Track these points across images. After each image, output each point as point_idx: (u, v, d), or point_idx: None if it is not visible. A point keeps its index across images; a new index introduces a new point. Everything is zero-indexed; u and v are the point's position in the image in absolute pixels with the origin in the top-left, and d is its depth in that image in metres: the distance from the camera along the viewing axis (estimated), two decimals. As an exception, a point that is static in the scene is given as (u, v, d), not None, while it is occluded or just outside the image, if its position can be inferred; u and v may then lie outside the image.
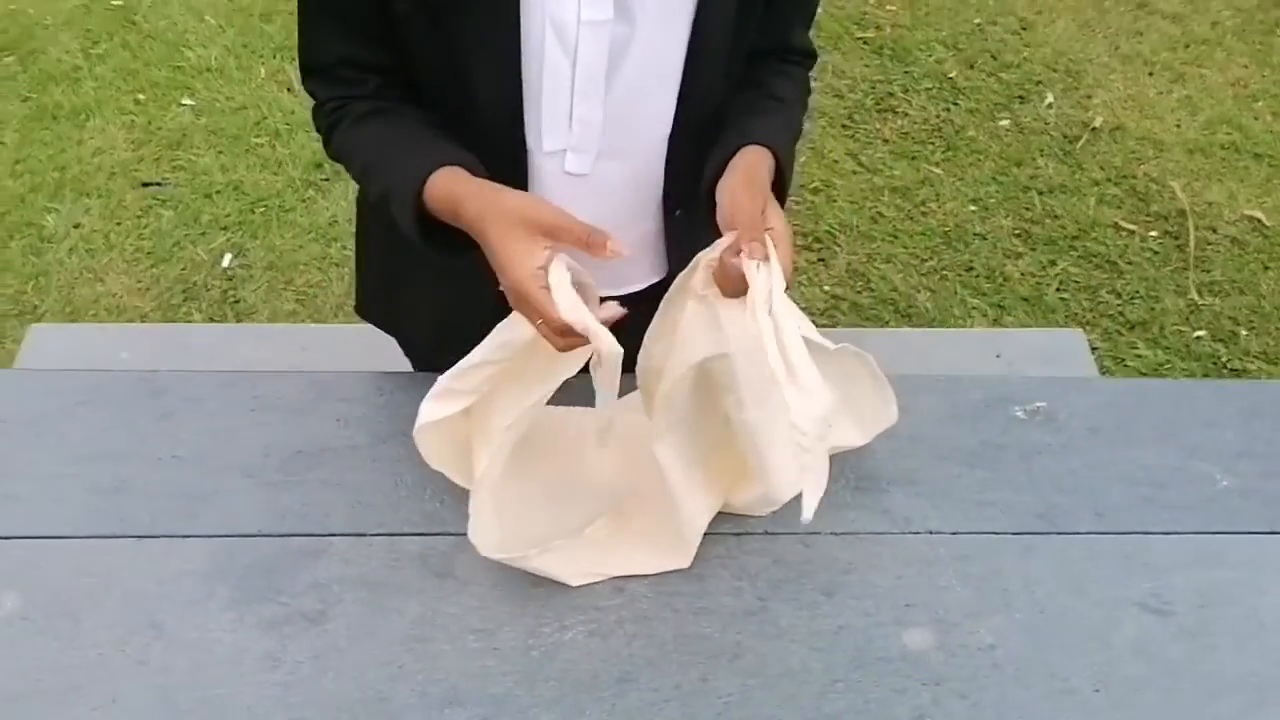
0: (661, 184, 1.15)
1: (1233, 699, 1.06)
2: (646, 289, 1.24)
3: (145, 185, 2.52)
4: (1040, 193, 2.64)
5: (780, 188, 1.08)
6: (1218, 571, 1.15)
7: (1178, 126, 2.83)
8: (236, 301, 2.30)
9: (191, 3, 2.91)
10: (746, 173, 1.02)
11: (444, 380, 1.11)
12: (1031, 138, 2.73)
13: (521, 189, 1.07)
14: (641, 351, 1.04)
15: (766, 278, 0.96)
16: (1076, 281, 2.46)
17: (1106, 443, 1.26)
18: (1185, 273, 2.49)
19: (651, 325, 1.04)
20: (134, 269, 2.36)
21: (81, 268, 2.36)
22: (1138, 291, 2.44)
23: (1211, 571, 1.15)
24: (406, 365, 1.43)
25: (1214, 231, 2.58)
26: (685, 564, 1.12)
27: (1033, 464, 1.23)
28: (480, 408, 1.11)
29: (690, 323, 1.02)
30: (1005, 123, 2.78)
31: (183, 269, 2.37)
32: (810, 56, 1.21)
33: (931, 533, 1.17)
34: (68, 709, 1.00)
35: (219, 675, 1.02)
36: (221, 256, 2.40)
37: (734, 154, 1.04)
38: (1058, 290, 2.44)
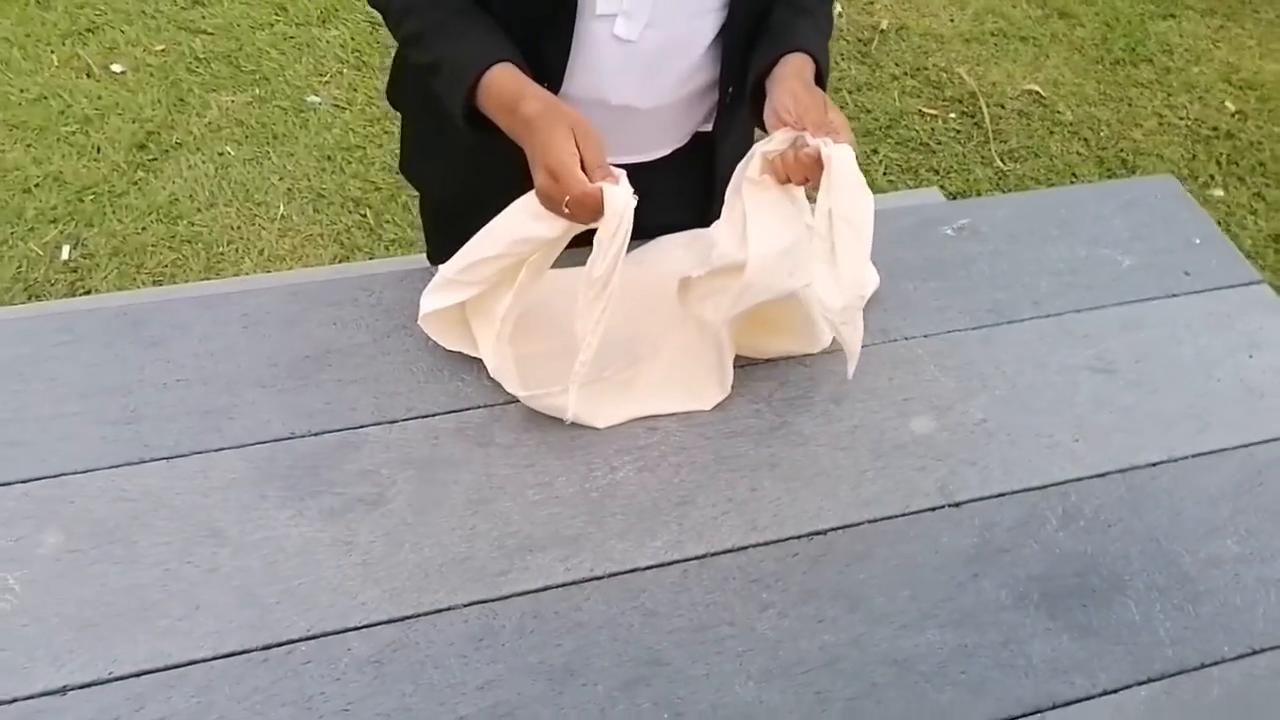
0: (702, 64, 1.19)
1: (1182, 428, 1.23)
2: (662, 157, 1.30)
3: (-50, 188, 2.32)
4: (850, 91, 2.84)
5: (821, 87, 1.16)
6: (1141, 332, 1.33)
7: (952, 21, 3.10)
8: (88, 291, 2.17)
9: (-50, -5, 2.68)
10: (800, 76, 1.09)
11: (446, 272, 1.13)
12: (831, 44, 2.92)
13: (566, 50, 1.11)
14: (716, 244, 1.09)
15: (841, 159, 1.04)
16: (899, 165, 2.67)
17: (1025, 245, 1.42)
18: (987, 145, 2.75)
19: (721, 219, 1.10)
20: (-40, 275, 2.18)
21: (-102, 283, 2.15)
22: (951, 166, 2.68)
23: (1137, 333, 1.33)
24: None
25: (1002, 108, 2.86)
26: (710, 405, 1.19)
27: (970, 270, 1.38)
28: (481, 295, 1.14)
29: (754, 209, 1.08)
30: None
31: (19, 267, 2.20)
32: None
33: (907, 338, 1.29)
34: (150, 623, 0.97)
35: (295, 567, 1.02)
36: (59, 249, 2.25)
37: (779, 57, 1.11)
38: (884, 174, 2.64)
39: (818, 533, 1.11)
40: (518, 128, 1.05)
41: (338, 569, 1.02)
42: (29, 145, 2.42)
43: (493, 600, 1.02)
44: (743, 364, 1.23)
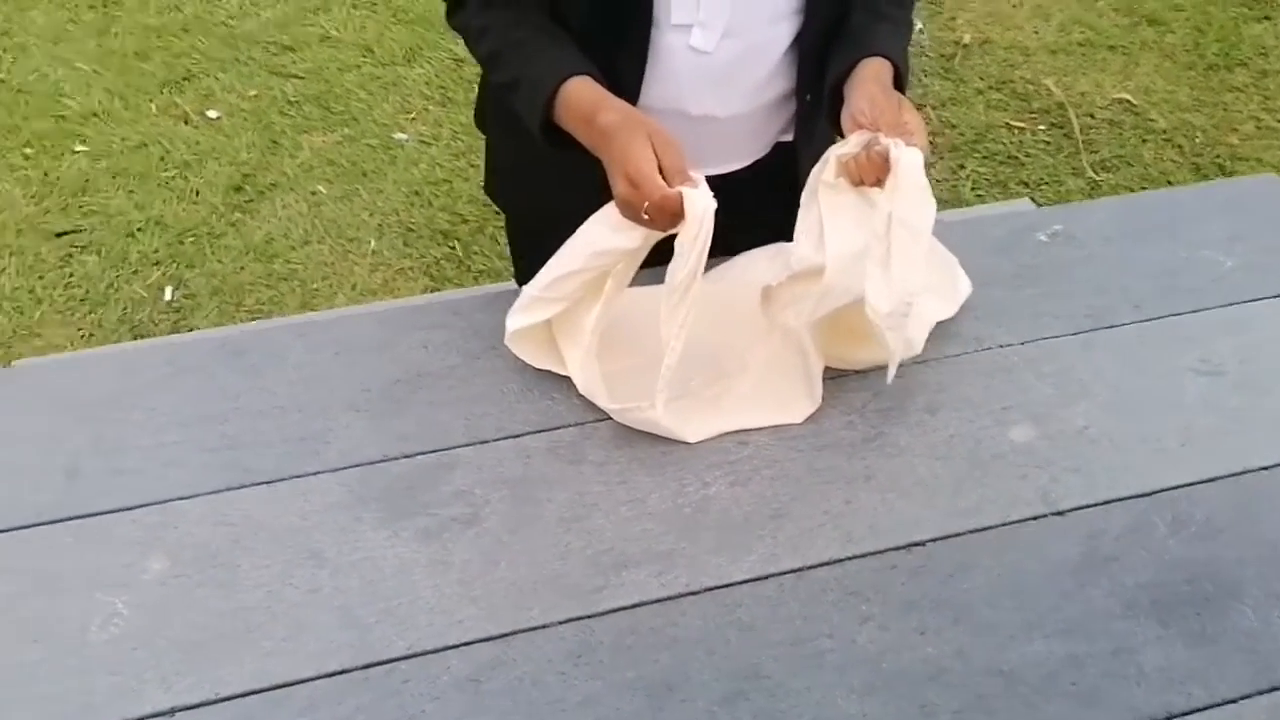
0: (779, 71, 1.18)
1: (1296, 429, 1.18)
2: (741, 169, 1.30)
3: (59, 235, 2.43)
4: (934, 107, 2.81)
5: (900, 91, 1.16)
6: (1247, 334, 1.28)
7: (1036, 33, 3.05)
8: (190, 329, 2.24)
9: (58, 53, 2.81)
10: (878, 79, 1.09)
11: (531, 290, 1.14)
12: (914, 61, 2.90)
13: (642, 62, 1.12)
14: (794, 250, 1.09)
15: (909, 162, 1.03)
16: (987, 179, 2.63)
17: (1121, 248, 1.38)
18: (1077, 156, 2.69)
19: (798, 224, 1.09)
20: (70, 318, 2.27)
21: (14, 326, 2.25)
22: (1042, 178, 2.63)
23: (1243, 335, 1.28)
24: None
25: (1092, 117, 2.80)
26: (800, 418, 1.18)
27: (1066, 276, 1.34)
28: (565, 311, 1.15)
29: (830, 213, 1.08)
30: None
31: (124, 309, 2.29)
32: None
33: (1002, 346, 1.26)
34: (254, 644, 0.98)
35: (393, 587, 1.03)
36: (162, 290, 2.33)
37: (857, 62, 1.11)
38: (973, 189, 2.60)
39: (916, 544, 1.08)
40: (595, 139, 1.05)
41: (435, 588, 1.03)
42: (131, 191, 2.52)
43: (589, 617, 1.02)
44: (833, 375, 1.21)
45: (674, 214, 1.01)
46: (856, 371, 1.23)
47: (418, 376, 1.20)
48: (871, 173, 1.04)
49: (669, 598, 1.03)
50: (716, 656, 0.99)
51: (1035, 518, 1.11)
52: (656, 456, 1.14)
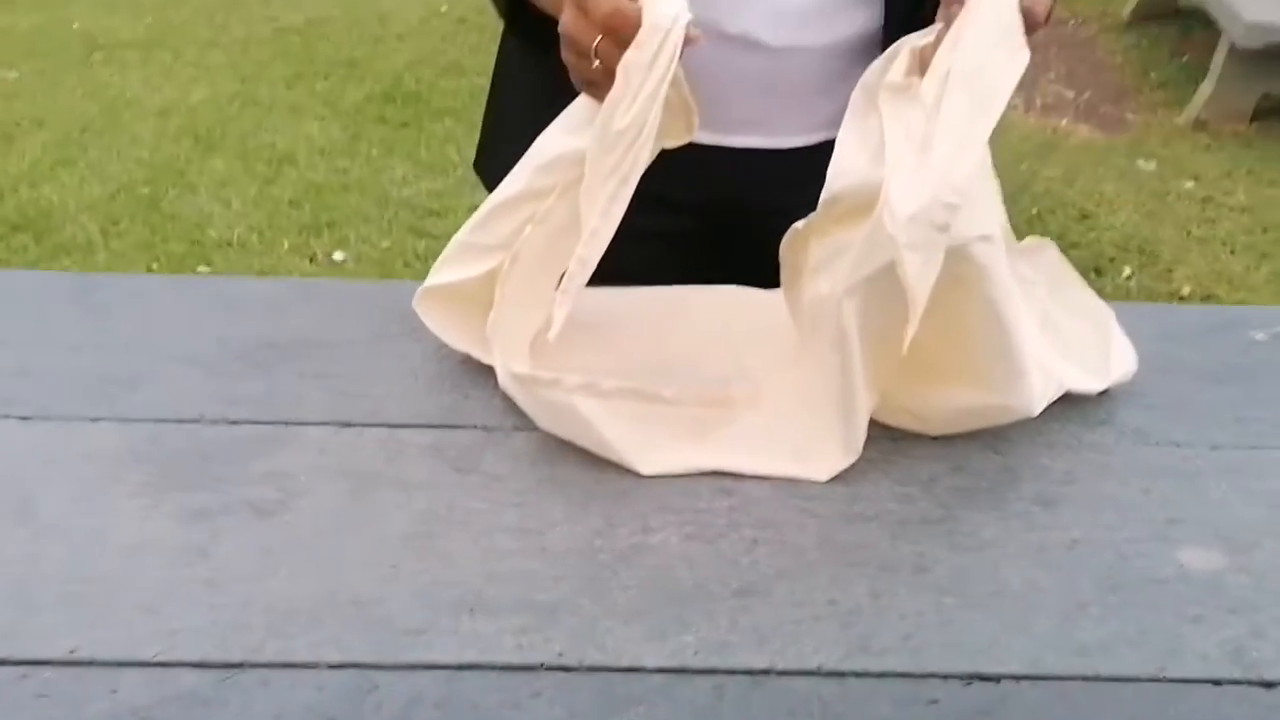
0: None
1: None
2: (792, 147, 0.93)
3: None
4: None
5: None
6: None
7: (1276, 297, 2.60)
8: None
9: (219, 194, 2.82)
10: None
11: (460, 234, 0.81)
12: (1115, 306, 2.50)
13: None
14: (836, 163, 0.72)
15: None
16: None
17: (1386, 366, 0.91)
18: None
19: (839, 141, 0.73)
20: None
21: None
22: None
23: None
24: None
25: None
26: (825, 474, 0.75)
27: (1293, 383, 0.88)
28: (510, 274, 0.80)
29: (895, 122, 0.70)
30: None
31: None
32: None
33: (1178, 444, 0.80)
34: None
35: (104, 570, 0.64)
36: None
37: None
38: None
39: (984, 677, 0.61)
40: None
41: (164, 581, 0.64)
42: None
43: (380, 667, 0.59)
44: (892, 435, 0.79)
45: (632, 37, 0.66)
46: (930, 437, 0.79)
47: (297, 344, 0.85)
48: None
49: (523, 667, 0.60)
50: (553, 769, 0.54)
51: (1215, 682, 0.62)
52: (583, 483, 0.73)
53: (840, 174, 0.69)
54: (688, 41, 0.67)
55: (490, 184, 1.09)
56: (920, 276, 0.64)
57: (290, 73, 3.46)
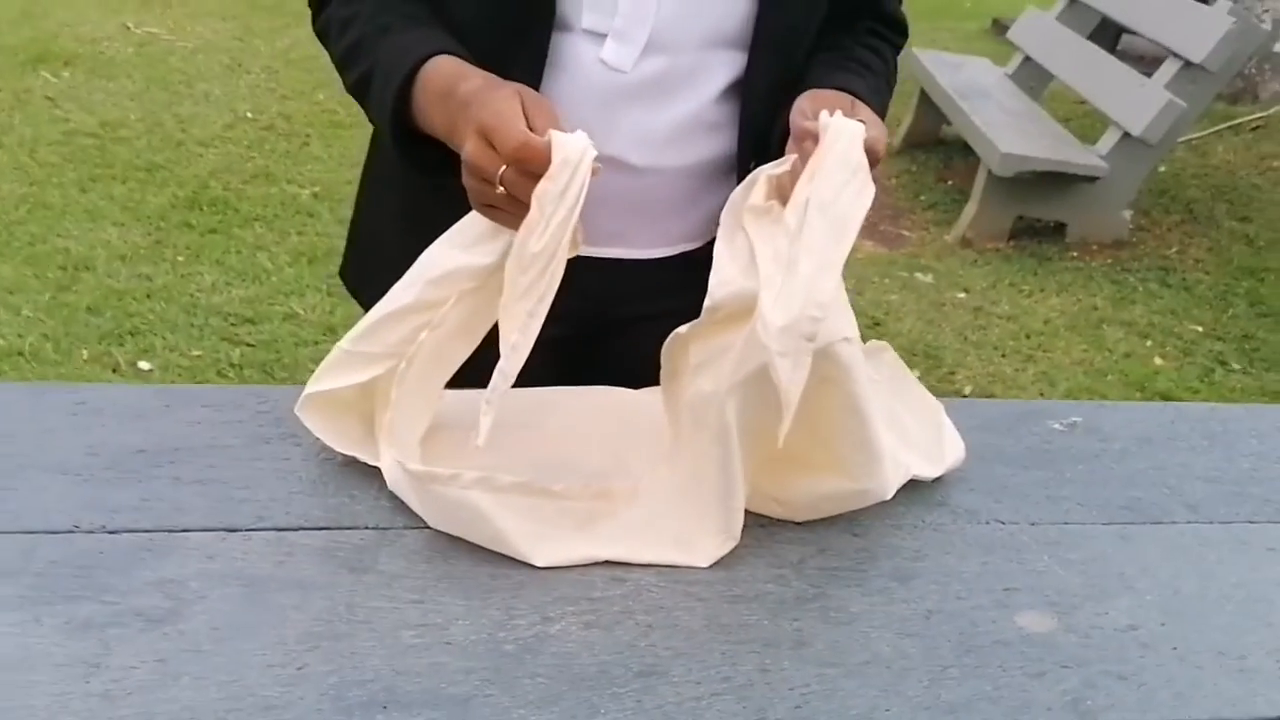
0: (716, 119, 0.94)
1: None
2: (659, 257, 1.00)
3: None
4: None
5: None
6: (1354, 554, 0.91)
7: (1042, 395, 2.87)
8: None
9: (9, 301, 2.66)
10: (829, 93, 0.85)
11: (343, 344, 0.83)
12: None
13: (539, 71, 0.87)
14: (714, 274, 0.78)
15: (839, 130, 0.76)
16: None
17: (1164, 449, 1.04)
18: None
19: (715, 261, 0.79)
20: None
21: None
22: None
23: (1347, 553, 0.91)
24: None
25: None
26: (706, 560, 0.80)
27: (1093, 466, 1.00)
28: (386, 378, 0.82)
29: (762, 242, 0.78)
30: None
31: None
32: (901, 32, 1.05)
33: (1003, 522, 0.90)
34: None
35: (-12, 687, 0.62)
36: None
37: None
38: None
39: (868, 739, 0.67)
40: (454, 112, 0.79)
41: (59, 697, 0.62)
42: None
43: (295, 772, 0.60)
44: (761, 522, 0.85)
45: (539, 169, 0.72)
46: (794, 524, 0.86)
47: (171, 449, 0.84)
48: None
49: (442, 760, 0.61)
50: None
51: (1061, 731, 0.70)
52: (479, 578, 0.75)
53: (720, 284, 0.76)
54: (592, 173, 0.73)
55: (359, 292, 1.11)
56: (792, 380, 0.71)
57: (84, 176, 3.33)
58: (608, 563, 0.78)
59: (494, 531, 0.76)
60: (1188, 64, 3.73)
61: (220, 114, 3.97)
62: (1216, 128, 4.86)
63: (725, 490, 0.79)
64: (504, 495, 0.76)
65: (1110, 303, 3.44)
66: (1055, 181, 3.74)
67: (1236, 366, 3.16)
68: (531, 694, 0.66)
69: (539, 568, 0.76)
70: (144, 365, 2.47)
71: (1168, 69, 3.82)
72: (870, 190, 0.75)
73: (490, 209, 0.78)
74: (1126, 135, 3.73)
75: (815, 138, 0.77)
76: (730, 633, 0.74)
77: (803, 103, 0.82)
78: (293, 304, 2.77)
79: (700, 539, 0.80)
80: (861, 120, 0.78)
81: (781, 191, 0.79)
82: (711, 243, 1.01)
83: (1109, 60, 4.20)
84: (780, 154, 0.86)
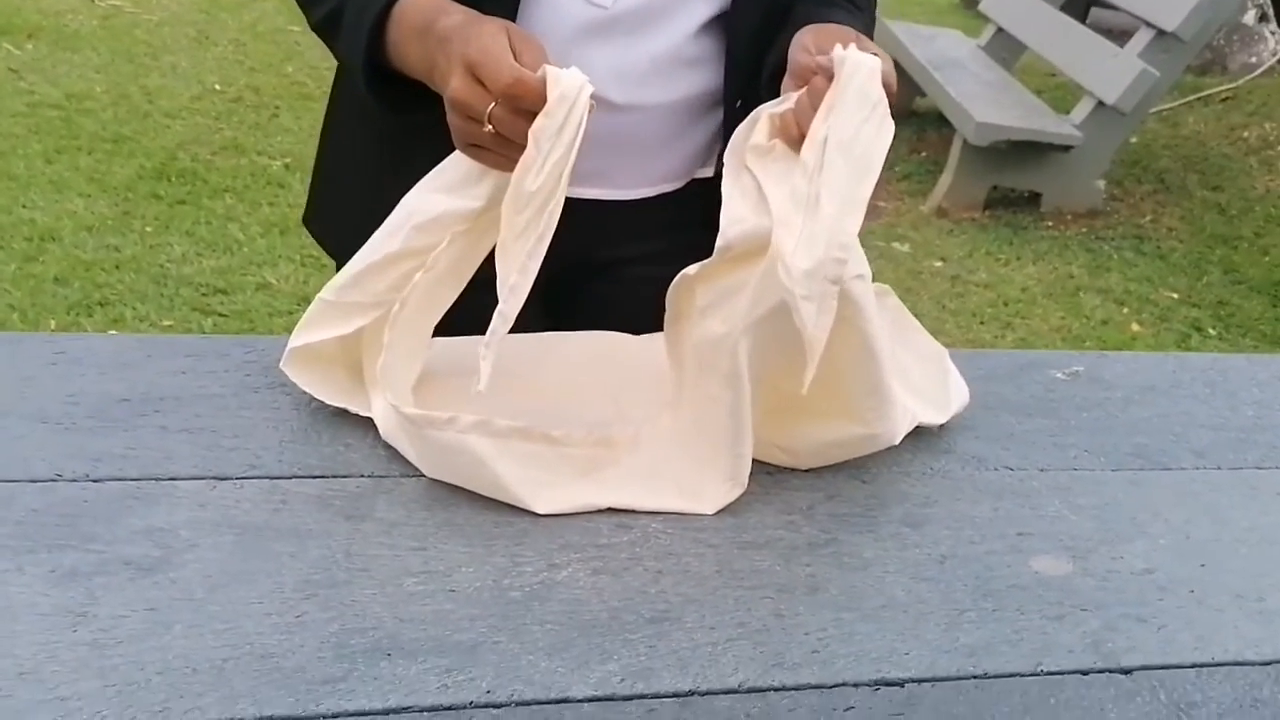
0: (701, 55, 0.91)
1: None
2: (641, 198, 0.98)
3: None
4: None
5: None
6: (1362, 498, 0.90)
7: (1023, 364, 2.88)
8: None
9: (-29, 277, 2.60)
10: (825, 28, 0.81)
11: (325, 294, 0.80)
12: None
13: (514, 7, 0.84)
14: (720, 235, 0.75)
15: (856, 64, 0.73)
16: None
17: (1167, 398, 1.03)
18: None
19: (725, 200, 0.76)
20: None
21: None
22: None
23: (1356, 497, 0.90)
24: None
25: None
26: (713, 507, 0.78)
27: (1097, 414, 0.98)
28: (375, 327, 0.79)
29: (767, 182, 0.75)
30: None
31: None
32: None
33: (1010, 469, 0.88)
34: None
35: (-30, 638, 0.58)
36: None
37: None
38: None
39: (889, 682, 0.65)
40: (432, 49, 0.75)
41: (45, 646, 0.59)
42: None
43: (302, 719, 0.57)
44: (767, 470, 0.83)
45: (533, 106, 0.69)
46: (802, 471, 0.84)
47: (156, 398, 0.81)
48: (810, 114, 0.73)
49: (450, 707, 0.59)
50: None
51: (1083, 672, 0.68)
52: (483, 525, 0.73)
53: (732, 222, 0.73)
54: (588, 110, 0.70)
55: (325, 239, 1.07)
56: (818, 324, 0.69)
57: (49, 148, 3.25)
58: (612, 510, 0.76)
59: (493, 477, 0.73)
60: (1161, 33, 3.73)
61: (187, 86, 3.88)
62: (1186, 99, 4.87)
63: (734, 436, 0.77)
64: (502, 440, 0.73)
65: (1086, 271, 3.44)
66: (1030, 151, 3.73)
67: (1212, 332, 3.18)
68: (541, 640, 0.64)
69: (541, 515, 0.74)
70: (113, 334, 2.42)
71: (1141, 38, 3.82)
72: (890, 126, 0.73)
73: (475, 149, 0.75)
74: (1101, 105, 3.73)
75: (820, 74, 0.74)
76: (742, 578, 0.71)
77: (804, 38, 0.79)
78: (265, 274, 2.71)
79: (706, 486, 0.78)
80: (875, 52, 0.75)
81: (786, 130, 0.76)
82: (693, 182, 1.00)
83: (1082, 31, 4.20)
84: (772, 91, 0.83)
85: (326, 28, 0.86)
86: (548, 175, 0.68)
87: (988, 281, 3.34)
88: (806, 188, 0.71)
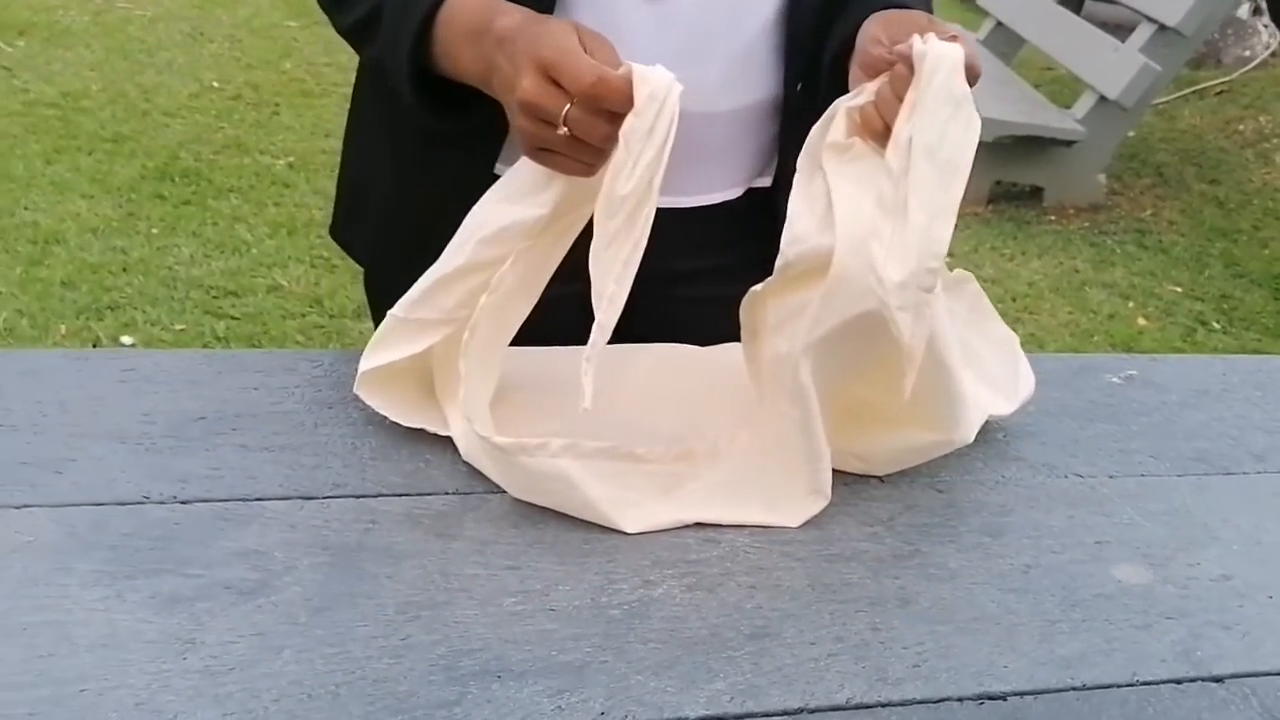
0: (761, 52, 0.89)
1: None
2: (700, 206, 0.96)
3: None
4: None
5: None
6: None
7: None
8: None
9: (-22, 280, 2.58)
10: (893, 15, 0.80)
11: (396, 311, 0.79)
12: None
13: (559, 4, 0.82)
14: (788, 229, 0.75)
15: (939, 56, 0.71)
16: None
17: (1221, 401, 1.04)
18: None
19: (793, 198, 0.75)
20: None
21: None
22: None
23: None
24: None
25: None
26: (797, 520, 0.78)
27: (1155, 418, 0.99)
28: (446, 345, 0.79)
29: (840, 182, 0.74)
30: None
31: None
32: None
33: (1080, 476, 0.89)
34: None
35: (82, 667, 0.58)
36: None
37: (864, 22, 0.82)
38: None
39: (992, 696, 0.65)
40: (490, 52, 0.73)
41: (158, 675, 0.58)
42: None
43: (419, 746, 0.57)
44: (844, 480, 0.83)
45: (615, 107, 0.67)
46: (877, 478, 0.84)
47: (232, 416, 0.80)
48: (895, 106, 0.72)
49: (569, 729, 0.59)
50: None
51: (1177, 681, 0.68)
52: (573, 543, 0.73)
53: (792, 241, 0.73)
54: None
55: (353, 247, 1.06)
56: (915, 334, 0.69)
57: (48, 148, 3.22)
58: (697, 525, 0.76)
59: (583, 500, 0.73)
60: (1162, 28, 3.74)
61: (185, 84, 3.85)
62: (1182, 92, 4.90)
63: (810, 451, 0.76)
64: (589, 461, 0.73)
65: (1091, 265, 3.46)
66: (1032, 146, 3.74)
67: (1217, 326, 3.20)
68: (646, 659, 0.64)
69: (630, 534, 0.74)
70: (126, 340, 2.40)
71: (1142, 33, 3.83)
72: (977, 122, 0.72)
73: (545, 154, 0.73)
74: (1102, 99, 3.74)
75: (893, 66, 0.73)
76: (834, 592, 0.71)
77: (873, 29, 0.78)
78: (276, 276, 2.70)
79: (789, 499, 0.78)
80: (952, 37, 0.74)
81: (868, 124, 0.75)
82: (750, 191, 0.99)
83: (1082, 25, 4.21)
84: (837, 86, 0.83)
85: (360, 31, 0.84)
86: (639, 178, 0.67)
87: (994, 276, 3.35)
88: (894, 194, 0.71)
